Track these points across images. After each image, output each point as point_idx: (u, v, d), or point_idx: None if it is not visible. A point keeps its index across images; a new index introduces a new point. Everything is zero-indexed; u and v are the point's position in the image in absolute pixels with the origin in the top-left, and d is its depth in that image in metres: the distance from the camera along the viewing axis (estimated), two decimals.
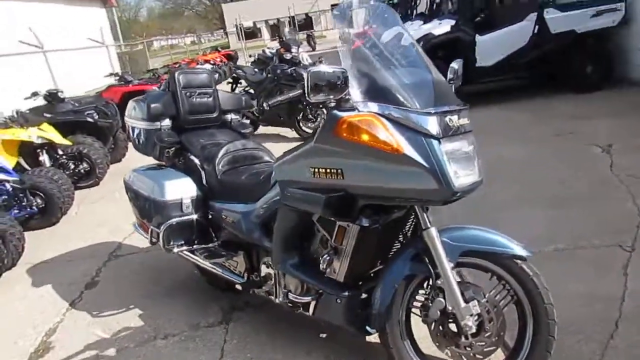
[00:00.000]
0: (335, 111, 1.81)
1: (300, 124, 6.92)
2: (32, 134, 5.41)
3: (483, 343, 1.90)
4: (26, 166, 5.57)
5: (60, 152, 5.83)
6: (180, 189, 2.74)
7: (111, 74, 9.79)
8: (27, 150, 5.60)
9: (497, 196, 3.93)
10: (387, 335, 2.00)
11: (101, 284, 3.56)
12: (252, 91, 7.67)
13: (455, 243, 1.91)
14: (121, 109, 7.56)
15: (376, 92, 1.81)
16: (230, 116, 3.19)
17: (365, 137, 1.76)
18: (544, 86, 7.50)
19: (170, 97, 2.96)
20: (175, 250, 2.75)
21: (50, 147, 5.66)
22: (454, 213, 2.89)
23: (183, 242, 2.78)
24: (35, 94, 6.51)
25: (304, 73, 1.76)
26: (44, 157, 5.61)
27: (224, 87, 9.65)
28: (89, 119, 6.40)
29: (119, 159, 7.33)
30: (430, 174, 1.73)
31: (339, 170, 1.88)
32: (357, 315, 2.12)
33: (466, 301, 1.87)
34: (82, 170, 6.11)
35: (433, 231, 1.89)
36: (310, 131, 6.87)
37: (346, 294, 2.10)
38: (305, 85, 1.73)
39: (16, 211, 4.64)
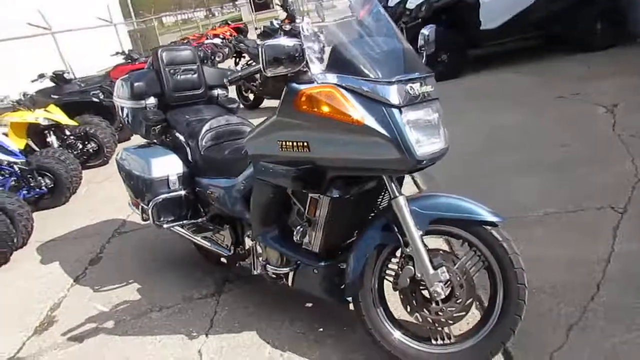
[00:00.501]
0: (294, 84, 1.81)
1: None
2: (39, 116, 5.53)
3: (453, 308, 1.92)
4: (35, 148, 5.71)
5: (68, 133, 5.96)
6: (167, 166, 2.79)
7: (117, 53, 9.85)
8: (35, 132, 5.74)
9: (496, 161, 3.90)
10: (360, 303, 2.04)
11: (104, 260, 3.68)
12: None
13: (424, 211, 1.92)
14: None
15: (337, 62, 1.80)
16: (217, 92, 3.20)
17: (325, 109, 1.77)
18: (553, 47, 7.28)
19: (154, 75, 2.98)
20: (165, 226, 2.82)
21: (57, 128, 5.77)
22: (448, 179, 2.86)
23: (173, 217, 2.84)
24: (41, 76, 6.61)
25: (259, 47, 1.76)
26: (52, 138, 5.75)
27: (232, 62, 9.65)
28: (95, 99, 6.50)
29: (128, 137, 7.43)
30: (392, 144, 1.73)
31: (305, 143, 1.89)
32: (334, 285, 2.16)
33: (435, 268, 1.89)
34: (90, 150, 6.24)
35: (401, 200, 1.90)
36: None
37: (322, 264, 2.14)
38: (261, 59, 1.73)
39: (25, 192, 4.79)
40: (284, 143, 1.95)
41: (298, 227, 2.15)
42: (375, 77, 1.76)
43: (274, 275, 2.34)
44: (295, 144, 1.91)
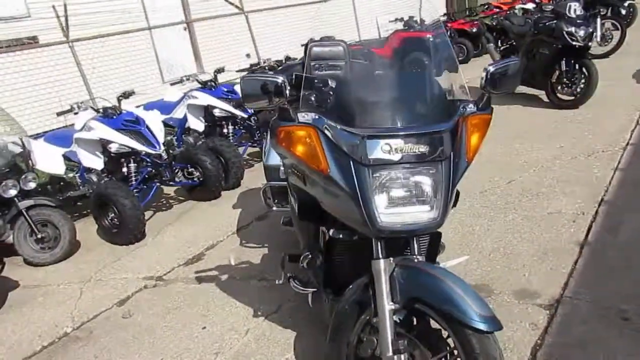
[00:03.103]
0: (277, 119, 1.75)
1: (555, 89, 5.96)
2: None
3: None
4: None
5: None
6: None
7: (396, 20, 10.13)
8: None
9: None
10: (335, 353, 1.92)
11: (268, 218, 4.21)
12: (514, 44, 6.91)
13: (406, 284, 1.65)
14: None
15: (323, 103, 1.66)
16: None
17: (299, 150, 1.68)
18: None
19: (299, 68, 3.17)
20: (274, 208, 3.09)
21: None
22: None
23: (282, 203, 3.09)
24: (248, 56, 7.44)
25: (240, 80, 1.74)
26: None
27: None
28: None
29: None
30: (353, 202, 1.55)
31: (303, 175, 1.84)
32: None
33: (394, 352, 1.63)
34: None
35: (381, 264, 1.67)
36: (566, 98, 5.88)
37: (331, 297, 2.08)
38: (240, 92, 1.73)
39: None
40: (288, 170, 1.93)
41: (307, 253, 2.12)
42: (353, 126, 1.57)
43: (297, 290, 2.37)
44: (296, 172, 1.88)
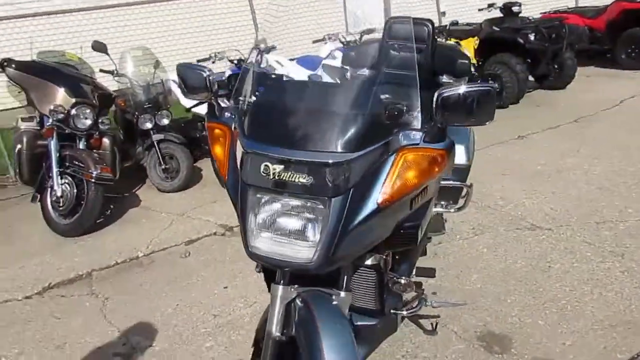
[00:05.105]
0: (209, 114, 1.64)
1: None
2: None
3: None
4: None
5: (472, 70, 6.07)
6: None
7: None
8: None
9: None
10: None
11: None
12: None
13: (297, 319, 1.50)
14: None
15: (239, 106, 1.50)
16: (444, 78, 2.78)
17: (216, 150, 1.57)
18: None
19: (376, 45, 2.89)
20: None
21: None
22: None
23: None
24: (491, 5, 6.70)
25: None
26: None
27: None
28: (519, 39, 6.16)
29: (562, 86, 6.75)
30: (240, 219, 1.43)
31: None
32: None
33: None
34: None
35: (279, 290, 1.50)
36: None
37: None
38: (179, 84, 1.66)
39: None
40: None
41: None
42: (251, 135, 1.41)
43: None
44: None
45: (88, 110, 4.01)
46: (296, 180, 1.30)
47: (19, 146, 3.99)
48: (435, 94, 1.36)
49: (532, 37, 6.15)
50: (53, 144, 3.83)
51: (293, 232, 1.35)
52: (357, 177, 1.33)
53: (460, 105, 1.35)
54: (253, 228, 1.38)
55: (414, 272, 2.35)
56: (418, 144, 1.40)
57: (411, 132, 1.40)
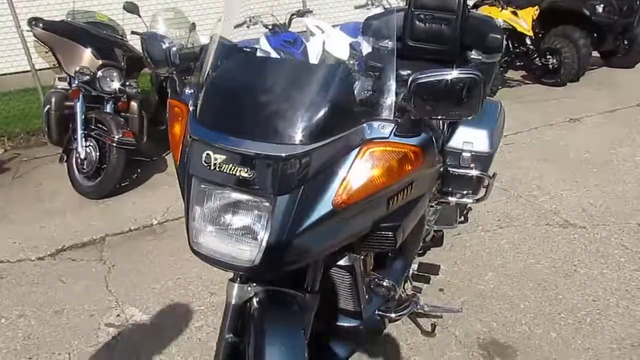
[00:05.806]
0: (171, 90, 1.49)
1: None
2: (498, 17, 5.41)
3: None
4: None
5: (528, 42, 5.61)
6: None
7: None
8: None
9: None
10: None
11: None
12: None
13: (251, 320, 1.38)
14: None
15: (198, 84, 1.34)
16: (473, 54, 2.51)
17: (174, 129, 1.44)
18: None
19: (400, 15, 2.63)
20: None
21: (512, 32, 5.51)
22: None
23: None
24: None
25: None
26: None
27: None
28: (585, 11, 5.58)
29: (629, 65, 6.14)
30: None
31: None
32: None
33: None
34: (549, 66, 5.73)
35: (234, 288, 1.39)
36: None
37: None
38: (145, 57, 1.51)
39: None
40: None
41: None
42: (202, 117, 1.26)
43: None
44: None
45: (115, 73, 3.97)
46: (238, 173, 1.15)
47: (47, 106, 4.02)
48: (410, 79, 1.15)
49: (600, 8, 5.57)
50: (79, 106, 3.83)
51: (238, 230, 1.21)
52: (310, 174, 1.16)
53: (437, 94, 1.14)
54: (198, 222, 1.24)
55: (413, 270, 2.18)
56: (387, 138, 1.20)
57: (380, 124, 1.21)
